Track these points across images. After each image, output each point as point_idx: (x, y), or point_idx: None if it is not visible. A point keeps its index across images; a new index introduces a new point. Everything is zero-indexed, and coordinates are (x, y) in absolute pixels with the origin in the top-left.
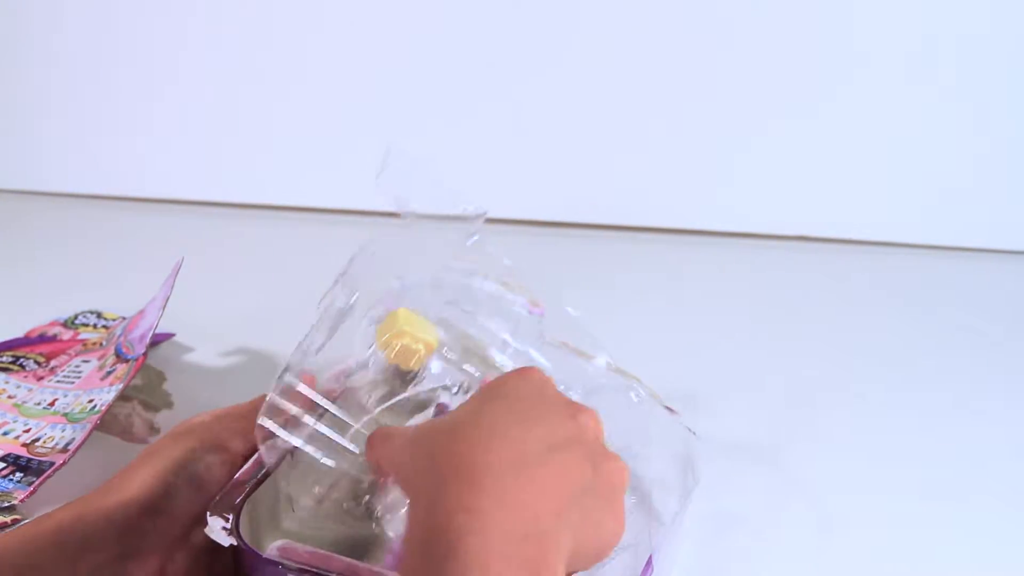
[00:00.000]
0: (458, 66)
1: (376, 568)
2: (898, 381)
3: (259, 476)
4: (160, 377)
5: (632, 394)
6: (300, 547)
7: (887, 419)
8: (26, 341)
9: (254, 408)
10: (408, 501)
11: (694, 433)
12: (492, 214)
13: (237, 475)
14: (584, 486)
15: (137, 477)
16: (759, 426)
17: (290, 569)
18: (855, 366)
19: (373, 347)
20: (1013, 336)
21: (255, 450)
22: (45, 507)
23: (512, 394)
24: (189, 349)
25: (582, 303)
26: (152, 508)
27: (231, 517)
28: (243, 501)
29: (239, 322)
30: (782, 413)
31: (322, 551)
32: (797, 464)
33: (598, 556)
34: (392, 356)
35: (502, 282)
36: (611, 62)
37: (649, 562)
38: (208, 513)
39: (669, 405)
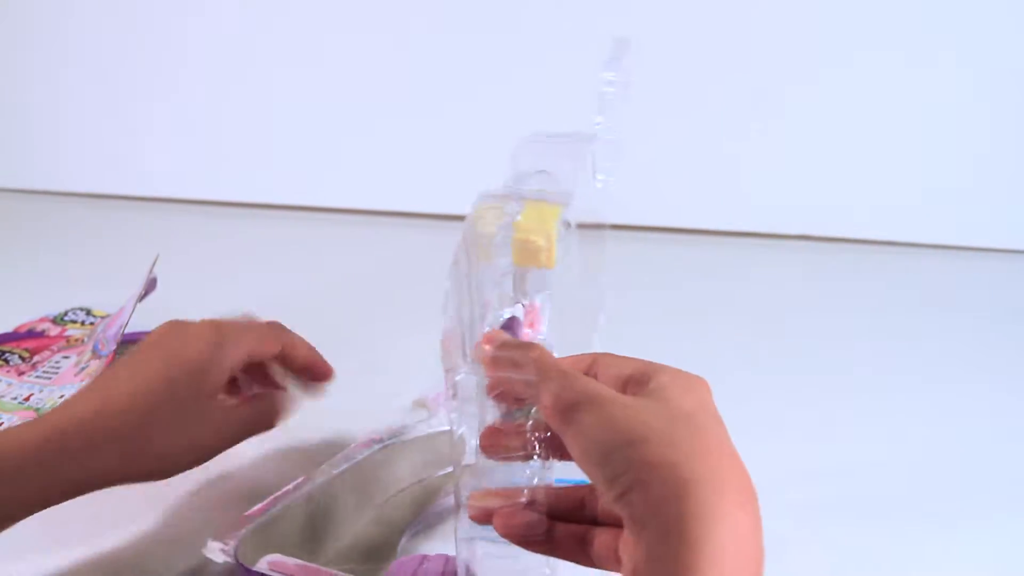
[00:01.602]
0: (458, 66)
1: None
2: (898, 380)
3: (271, 512)
4: None
5: None
6: (290, 561)
7: (887, 418)
8: (13, 336)
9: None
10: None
11: None
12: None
13: (247, 512)
14: None
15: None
16: (759, 425)
17: None
18: (855, 365)
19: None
20: (1013, 336)
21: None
22: None
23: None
24: None
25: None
26: None
27: (231, 542)
28: (245, 530)
29: None
30: (782, 412)
31: (312, 564)
32: (796, 463)
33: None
34: (517, 258)
35: None
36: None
37: None
38: (209, 538)
39: None
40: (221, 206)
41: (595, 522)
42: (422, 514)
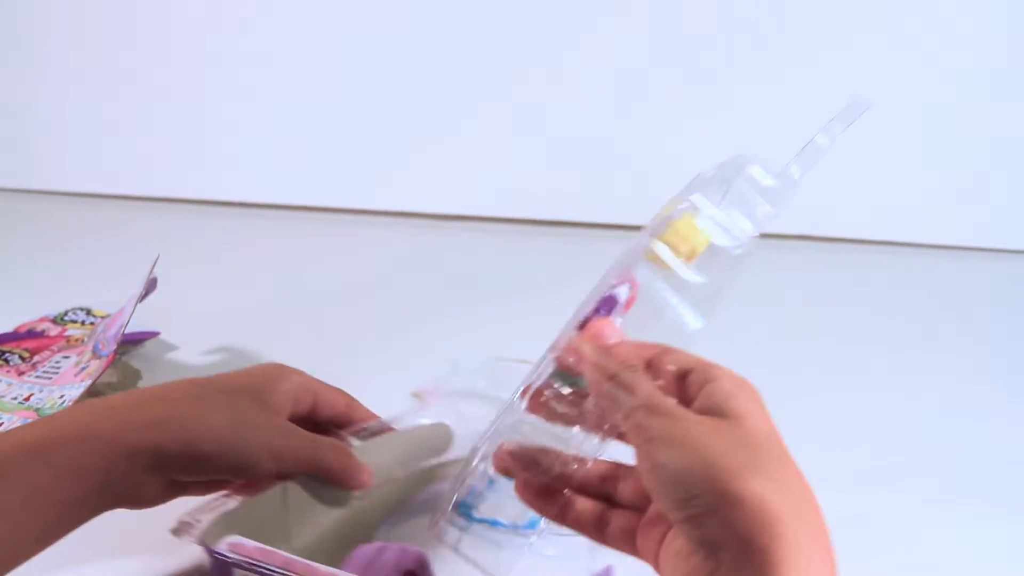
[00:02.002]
0: (457, 65)
1: (314, 565)
2: (898, 380)
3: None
4: (136, 375)
5: None
6: (249, 543)
7: (887, 418)
8: (14, 336)
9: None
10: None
11: None
12: (492, 213)
13: (219, 495)
14: None
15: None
16: None
17: (236, 563)
18: (855, 365)
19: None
20: (1013, 335)
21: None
22: None
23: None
24: (173, 347)
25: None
26: None
27: (198, 523)
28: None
29: (225, 321)
30: (781, 412)
31: (268, 547)
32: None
33: None
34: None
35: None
36: (610, 61)
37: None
38: (178, 518)
39: None
40: (221, 206)
41: (610, 499)
42: (404, 504)
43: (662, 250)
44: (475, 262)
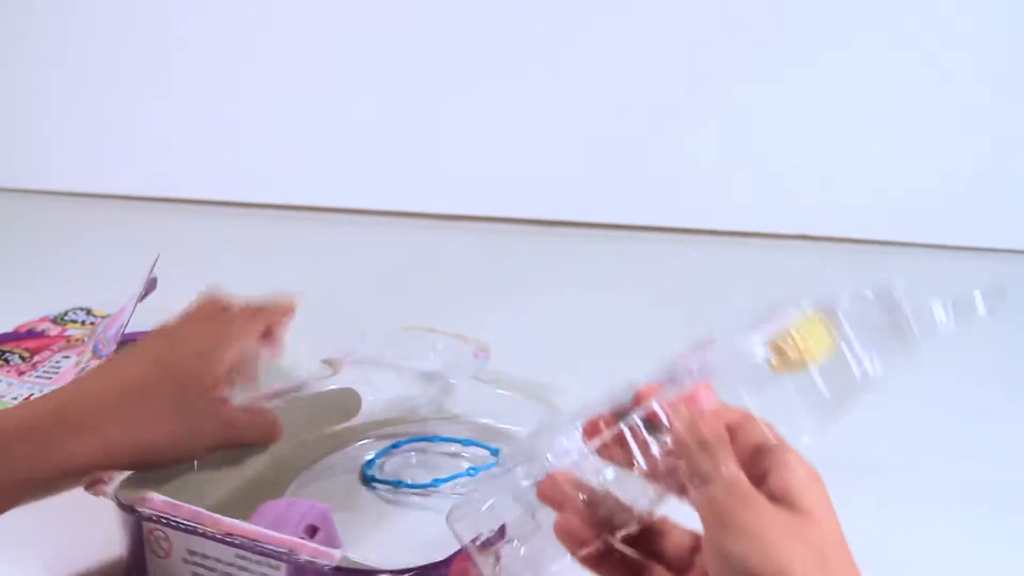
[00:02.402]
0: (457, 65)
1: (219, 518)
2: (898, 380)
3: None
4: None
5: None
6: (158, 498)
7: (887, 418)
8: (14, 336)
9: None
10: None
11: None
12: (492, 213)
13: None
14: None
15: None
16: None
17: (145, 517)
18: None
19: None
20: (1014, 336)
21: None
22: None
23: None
24: None
25: (582, 302)
26: None
27: (113, 481)
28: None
29: None
30: (781, 412)
31: (174, 501)
32: None
33: None
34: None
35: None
36: (611, 62)
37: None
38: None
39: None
40: (221, 206)
41: (650, 550)
42: (312, 465)
43: (791, 341)
44: (475, 262)
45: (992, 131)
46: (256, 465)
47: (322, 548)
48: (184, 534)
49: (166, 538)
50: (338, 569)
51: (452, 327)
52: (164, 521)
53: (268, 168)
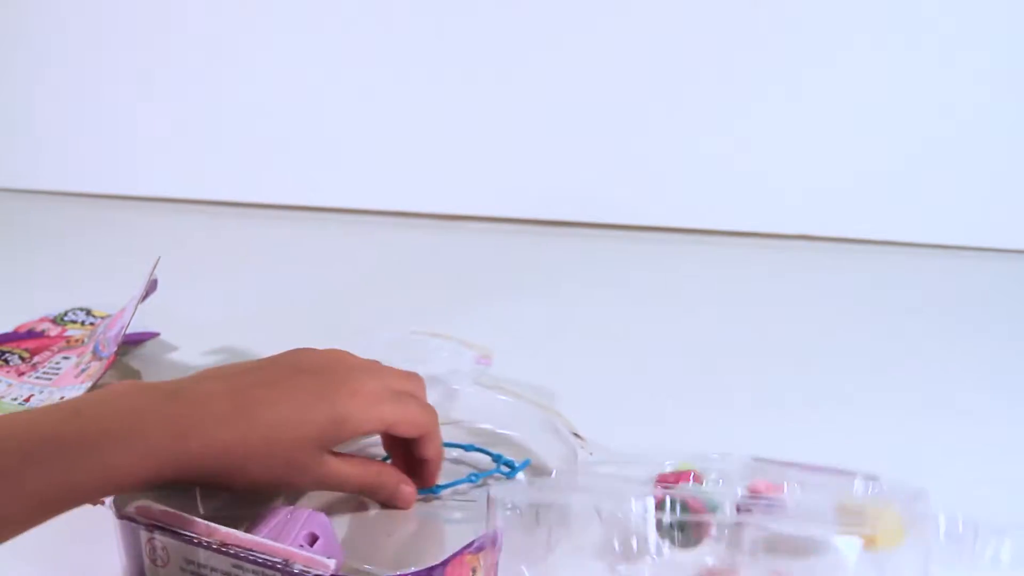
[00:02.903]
0: (457, 65)
1: (214, 526)
2: (898, 380)
3: None
4: (135, 376)
5: (555, 425)
6: (155, 506)
7: (887, 418)
8: (14, 336)
9: None
10: None
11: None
12: (492, 213)
13: None
14: None
15: None
16: (759, 425)
17: (143, 525)
18: (855, 365)
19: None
20: (1014, 336)
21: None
22: None
23: None
24: (173, 348)
25: (582, 302)
26: None
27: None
28: None
29: (225, 321)
30: (781, 412)
31: (173, 510)
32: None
33: None
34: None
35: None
36: (611, 61)
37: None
38: None
39: (578, 433)
40: (221, 206)
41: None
42: None
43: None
44: (475, 262)
45: (992, 131)
46: None
47: (317, 557)
48: (180, 544)
49: (164, 547)
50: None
51: (452, 327)
52: (162, 530)
53: (268, 168)
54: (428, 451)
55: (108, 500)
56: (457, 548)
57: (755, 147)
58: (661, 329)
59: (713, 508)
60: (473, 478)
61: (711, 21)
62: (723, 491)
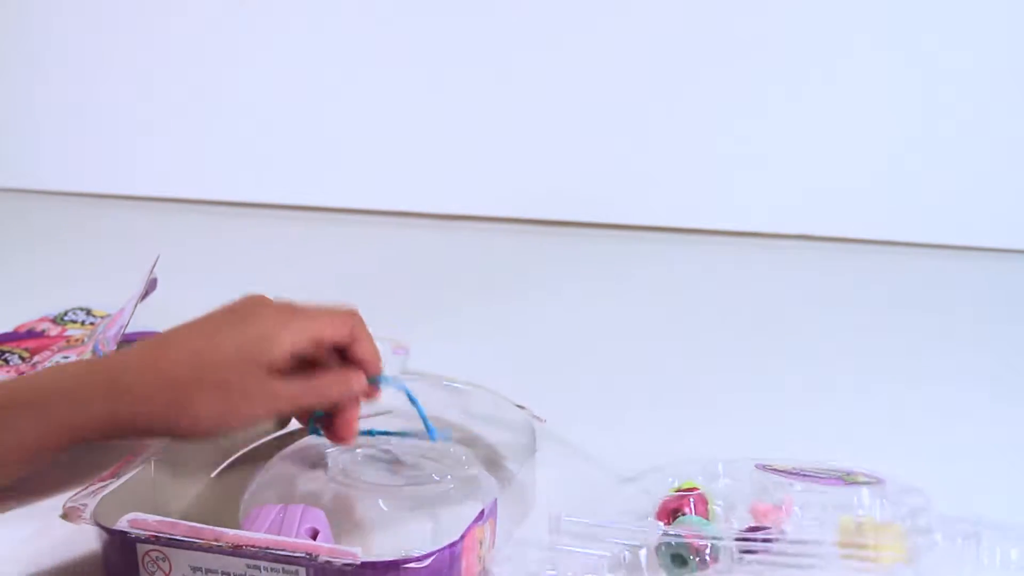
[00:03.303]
0: (457, 65)
1: (219, 529)
2: (898, 380)
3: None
4: None
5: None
6: (149, 517)
7: (887, 418)
8: (14, 336)
9: None
10: None
11: (541, 419)
12: (492, 213)
13: (97, 480)
14: None
15: None
16: (759, 424)
17: (139, 539)
18: (855, 365)
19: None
20: (1014, 335)
21: None
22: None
23: None
24: None
25: (582, 301)
26: None
27: (87, 506)
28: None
29: None
30: (781, 412)
31: (168, 519)
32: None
33: None
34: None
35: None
36: (611, 62)
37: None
38: (64, 505)
39: (520, 404)
40: (221, 206)
41: None
42: (257, 472)
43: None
44: (475, 262)
45: (992, 131)
46: (206, 471)
47: (341, 548)
48: (186, 551)
49: (164, 558)
50: (362, 565)
51: (452, 327)
52: (164, 541)
53: (268, 168)
54: (362, 351)
55: (88, 514)
56: (467, 524)
57: (755, 147)
58: (661, 329)
59: (716, 552)
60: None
61: (711, 22)
62: (725, 530)
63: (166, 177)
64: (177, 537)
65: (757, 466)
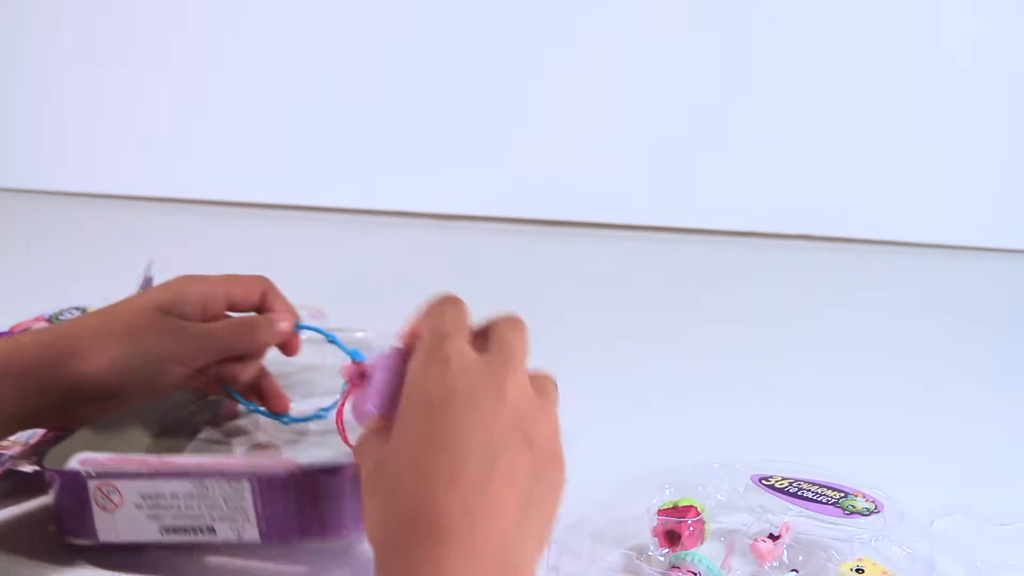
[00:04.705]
0: (457, 65)
1: (170, 458)
2: (898, 380)
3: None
4: None
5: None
6: (99, 455)
7: (887, 418)
8: (9, 335)
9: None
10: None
11: None
12: (492, 213)
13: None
14: (531, 472)
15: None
16: (758, 425)
17: (90, 475)
18: (855, 365)
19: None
20: (1014, 335)
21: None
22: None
23: (441, 397)
24: None
25: (582, 301)
26: None
27: (37, 456)
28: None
29: None
30: (781, 412)
31: (118, 455)
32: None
33: (555, 510)
34: None
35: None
36: (611, 62)
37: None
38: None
39: None
40: (221, 206)
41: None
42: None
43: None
44: (475, 262)
45: (992, 131)
46: (151, 416)
47: (282, 458)
48: (137, 481)
49: (115, 490)
50: (303, 472)
51: None
52: (114, 475)
53: (268, 168)
54: (276, 303)
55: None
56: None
57: (755, 147)
58: (661, 329)
59: None
60: (321, 414)
61: (711, 22)
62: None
63: (166, 177)
64: (127, 471)
65: (753, 479)
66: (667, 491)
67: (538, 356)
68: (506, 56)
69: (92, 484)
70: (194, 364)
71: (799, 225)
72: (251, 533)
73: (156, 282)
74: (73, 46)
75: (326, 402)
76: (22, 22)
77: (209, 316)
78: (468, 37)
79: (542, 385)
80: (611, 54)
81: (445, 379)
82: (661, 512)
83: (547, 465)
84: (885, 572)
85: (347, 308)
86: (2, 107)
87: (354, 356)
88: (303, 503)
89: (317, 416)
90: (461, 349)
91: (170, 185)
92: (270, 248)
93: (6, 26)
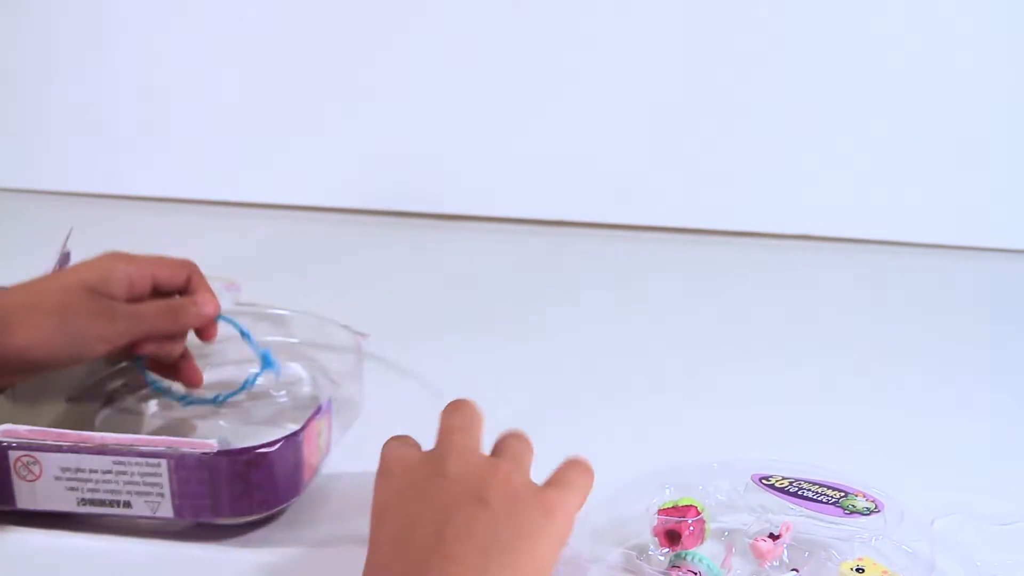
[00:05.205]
0: (457, 64)
1: (86, 433)
2: (899, 380)
3: None
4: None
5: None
6: (20, 427)
7: (887, 418)
8: None
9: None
10: None
11: (364, 335)
12: (492, 213)
13: None
14: (490, 523)
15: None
16: (758, 425)
17: (11, 446)
18: (855, 364)
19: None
20: (1014, 335)
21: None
22: None
23: (388, 501)
24: None
25: (583, 301)
26: None
27: None
28: None
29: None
30: (781, 412)
31: (39, 428)
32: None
33: (539, 545)
34: None
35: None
36: (612, 62)
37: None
38: None
39: (344, 324)
40: (221, 206)
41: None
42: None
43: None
44: (475, 262)
45: (992, 131)
46: (64, 392)
47: (199, 440)
48: (55, 454)
49: (35, 462)
50: (218, 454)
51: (451, 326)
52: (35, 446)
53: (267, 168)
54: (201, 286)
55: None
56: (308, 416)
57: (755, 147)
58: (661, 329)
59: None
60: (217, 399)
61: (711, 23)
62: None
63: (166, 177)
64: (47, 443)
65: (753, 479)
66: (667, 491)
67: (538, 356)
68: (507, 57)
69: (13, 455)
70: (119, 343)
71: (799, 225)
72: (165, 509)
73: (73, 258)
74: (74, 46)
75: (238, 376)
76: (22, 22)
77: (135, 296)
78: (469, 37)
79: (503, 448)
80: (612, 55)
81: (392, 484)
82: (661, 511)
83: (511, 513)
84: (885, 572)
85: (346, 308)
86: (2, 107)
87: (264, 356)
88: (217, 483)
89: (214, 400)
90: (403, 456)
91: (170, 185)
92: (270, 248)
93: (6, 26)
